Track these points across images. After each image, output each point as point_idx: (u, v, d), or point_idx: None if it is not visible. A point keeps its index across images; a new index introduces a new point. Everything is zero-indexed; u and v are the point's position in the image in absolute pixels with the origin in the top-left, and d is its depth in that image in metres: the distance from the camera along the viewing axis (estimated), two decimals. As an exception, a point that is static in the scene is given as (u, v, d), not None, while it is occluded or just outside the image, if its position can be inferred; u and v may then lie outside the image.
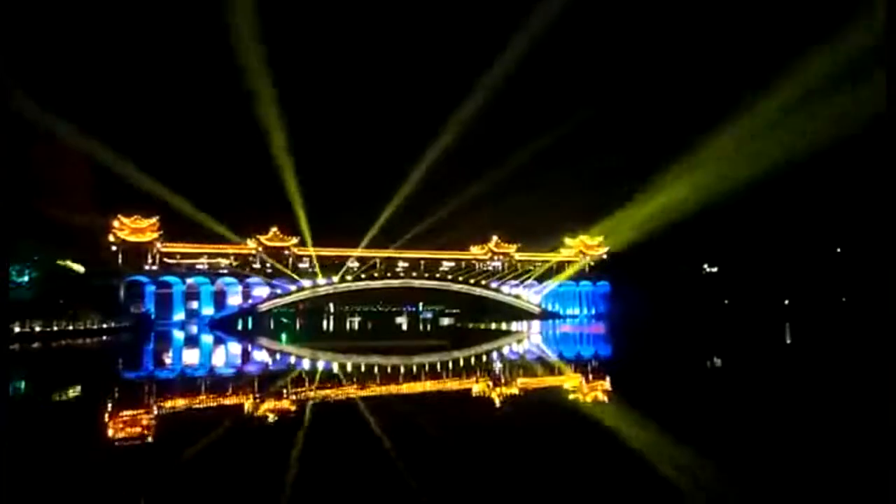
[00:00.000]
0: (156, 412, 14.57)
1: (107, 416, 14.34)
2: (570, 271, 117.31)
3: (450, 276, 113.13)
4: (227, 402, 16.47)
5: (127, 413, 14.63)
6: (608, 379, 21.12)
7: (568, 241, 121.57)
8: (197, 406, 15.66)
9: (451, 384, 19.48)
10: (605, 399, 16.83)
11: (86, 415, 14.64)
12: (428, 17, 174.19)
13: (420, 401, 15.87)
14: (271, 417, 13.68)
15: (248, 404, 15.89)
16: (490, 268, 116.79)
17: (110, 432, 12.30)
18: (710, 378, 21.93)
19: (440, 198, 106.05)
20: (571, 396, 17.56)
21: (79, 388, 20.58)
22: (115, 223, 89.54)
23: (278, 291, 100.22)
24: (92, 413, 14.80)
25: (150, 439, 11.68)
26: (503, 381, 20.47)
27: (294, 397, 16.68)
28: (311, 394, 17.44)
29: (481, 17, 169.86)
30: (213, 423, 13.05)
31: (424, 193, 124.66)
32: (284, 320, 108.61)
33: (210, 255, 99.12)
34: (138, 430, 12.54)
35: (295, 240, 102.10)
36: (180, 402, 16.11)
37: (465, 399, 16.70)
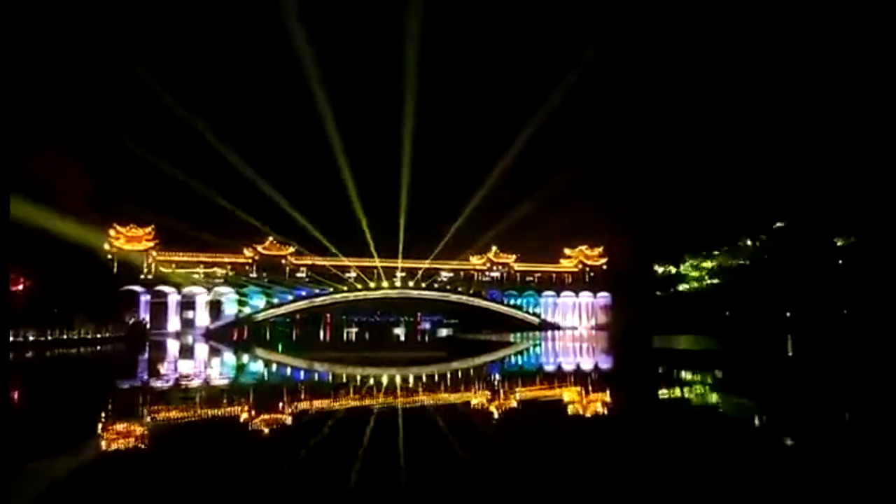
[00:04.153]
0: (151, 426, 14.06)
1: (103, 428, 13.87)
2: None
3: (448, 287, 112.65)
4: (222, 414, 15.99)
5: (121, 427, 14.18)
6: (608, 391, 20.75)
7: (567, 251, 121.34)
8: (190, 420, 15.15)
9: (449, 396, 19.02)
10: (605, 411, 16.45)
11: (84, 427, 14.14)
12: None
13: (417, 414, 15.41)
14: (267, 431, 13.23)
15: (243, 417, 15.41)
16: (489, 278, 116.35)
17: (107, 445, 11.83)
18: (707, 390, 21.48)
19: (443, 210, 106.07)
20: (571, 408, 17.14)
21: (74, 399, 20.06)
22: (111, 231, 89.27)
23: (275, 301, 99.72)
24: (90, 425, 14.31)
25: (144, 454, 11.22)
26: (503, 392, 20.02)
27: (289, 410, 16.23)
28: (306, 406, 16.99)
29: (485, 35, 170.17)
30: (207, 436, 12.63)
31: (426, 204, 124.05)
32: (281, 329, 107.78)
33: (206, 265, 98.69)
34: (133, 444, 12.09)
35: (292, 248, 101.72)
36: (174, 415, 15.61)
37: (463, 412, 16.21)
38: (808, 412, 15.72)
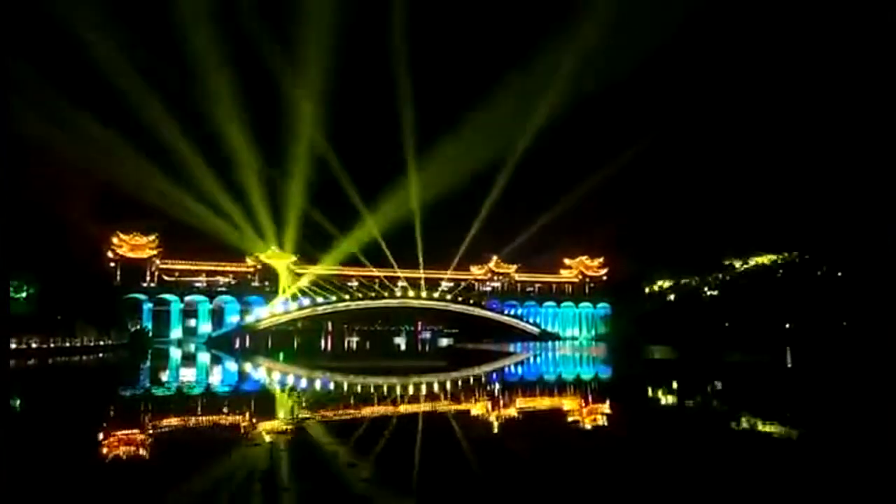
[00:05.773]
0: (154, 436, 14.38)
1: (107, 439, 14.18)
2: None
3: (449, 297, 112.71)
4: (222, 423, 16.30)
5: (123, 435, 14.48)
6: (607, 401, 21.03)
7: (567, 261, 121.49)
8: (192, 428, 15.46)
9: (447, 405, 19.30)
10: (604, 421, 16.71)
11: (84, 440, 14.45)
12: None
13: (415, 422, 15.71)
14: (269, 439, 13.51)
15: (242, 426, 15.72)
16: (490, 288, 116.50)
17: (112, 456, 12.15)
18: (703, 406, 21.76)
19: (445, 221, 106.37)
20: (570, 418, 17.42)
21: (76, 412, 20.36)
22: (114, 239, 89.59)
23: (277, 309, 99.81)
24: (93, 438, 14.61)
25: (146, 464, 11.54)
26: (501, 402, 20.30)
27: (289, 418, 16.54)
28: (306, 414, 17.25)
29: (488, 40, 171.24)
30: (209, 445, 12.91)
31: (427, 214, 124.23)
32: (283, 338, 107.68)
33: (208, 273, 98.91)
34: (134, 453, 12.41)
35: (294, 257, 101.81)
36: (175, 423, 15.94)
37: (460, 421, 16.51)
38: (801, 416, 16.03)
